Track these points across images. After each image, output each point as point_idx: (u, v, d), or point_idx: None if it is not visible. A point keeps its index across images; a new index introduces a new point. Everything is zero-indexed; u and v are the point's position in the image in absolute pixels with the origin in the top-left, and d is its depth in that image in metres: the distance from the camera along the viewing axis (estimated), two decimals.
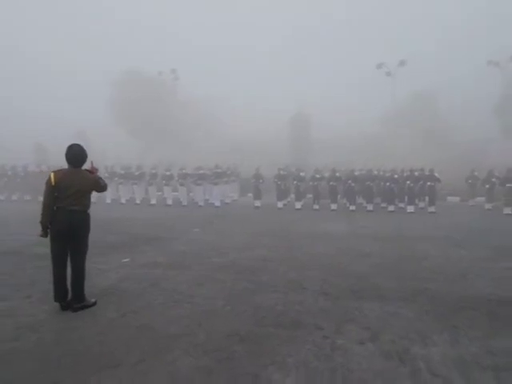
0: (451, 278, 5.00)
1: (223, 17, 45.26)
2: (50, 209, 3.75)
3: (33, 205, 14.96)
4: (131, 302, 4.02)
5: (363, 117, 26.01)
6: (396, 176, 14.00)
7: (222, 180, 15.61)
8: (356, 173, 14.57)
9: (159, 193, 16.53)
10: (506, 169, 13.46)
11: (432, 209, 13.36)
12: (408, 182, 13.75)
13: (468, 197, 15.65)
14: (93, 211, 4.00)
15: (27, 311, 3.74)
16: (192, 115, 28.90)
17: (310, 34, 41.70)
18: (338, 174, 14.29)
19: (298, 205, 14.32)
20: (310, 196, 15.03)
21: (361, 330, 3.34)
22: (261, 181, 14.89)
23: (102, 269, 5.22)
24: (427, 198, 13.80)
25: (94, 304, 3.90)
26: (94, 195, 4.36)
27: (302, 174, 15.00)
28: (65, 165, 3.92)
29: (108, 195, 15.67)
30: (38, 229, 3.75)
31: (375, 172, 14.71)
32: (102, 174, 10.38)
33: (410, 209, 13.50)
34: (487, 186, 14.22)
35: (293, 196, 15.13)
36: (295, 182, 14.70)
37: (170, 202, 15.44)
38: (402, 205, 14.09)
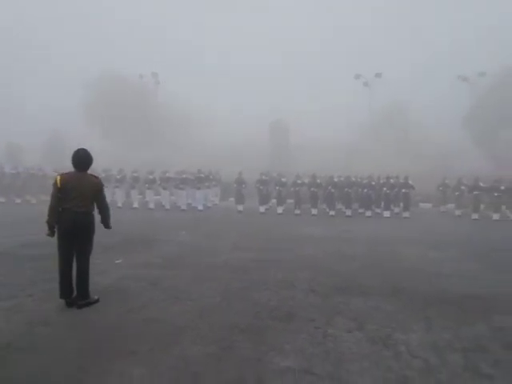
0: (426, 276, 5.51)
1: (223, 17, 45.69)
2: (55, 209, 3.94)
3: (23, 207, 14.69)
4: (134, 299, 4.24)
5: (339, 127, 26.99)
6: (373, 183, 14.71)
7: (204, 184, 15.83)
8: (335, 179, 15.16)
9: (140, 196, 16.52)
10: (473, 177, 14.46)
11: (406, 214, 14.12)
12: (384, 189, 14.48)
13: (439, 203, 16.53)
14: None
15: (34, 308, 3.90)
16: (172, 119, 29.00)
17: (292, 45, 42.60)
18: (318, 181, 14.84)
19: (280, 209, 14.74)
20: (291, 201, 15.46)
21: (348, 321, 3.73)
22: (243, 185, 15.22)
23: (98, 269, 5.37)
24: (402, 204, 14.58)
25: (97, 301, 4.10)
26: None
27: (283, 179, 15.44)
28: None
29: None
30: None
31: (353, 179, 15.37)
32: None
33: (386, 214, 14.21)
34: (457, 194, 15.18)
35: (274, 201, 15.52)
36: (277, 188, 15.12)
37: (152, 205, 15.48)
38: (378, 210, 14.80)
